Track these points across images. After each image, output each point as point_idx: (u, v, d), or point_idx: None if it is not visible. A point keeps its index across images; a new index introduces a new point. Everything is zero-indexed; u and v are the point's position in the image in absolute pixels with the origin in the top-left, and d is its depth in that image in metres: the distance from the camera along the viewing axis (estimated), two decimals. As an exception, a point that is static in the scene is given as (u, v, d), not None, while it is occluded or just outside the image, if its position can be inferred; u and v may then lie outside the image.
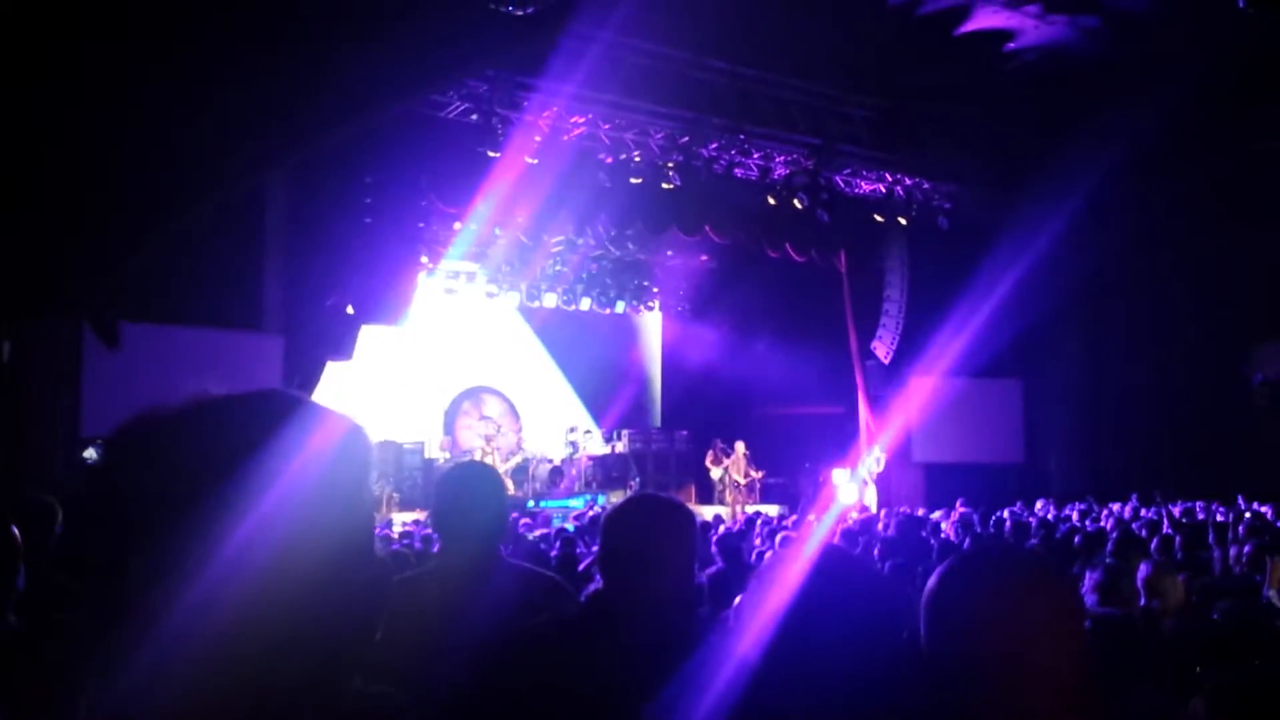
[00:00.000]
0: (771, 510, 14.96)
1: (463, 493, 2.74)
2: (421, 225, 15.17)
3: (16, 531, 2.66)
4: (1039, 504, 14.32)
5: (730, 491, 18.01)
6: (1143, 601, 4.32)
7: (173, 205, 8.03)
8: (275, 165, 9.85)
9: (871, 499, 17.42)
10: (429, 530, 10.18)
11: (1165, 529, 8.96)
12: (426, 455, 17.16)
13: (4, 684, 1.71)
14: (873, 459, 18.02)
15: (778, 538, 8.04)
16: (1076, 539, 8.00)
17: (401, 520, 13.32)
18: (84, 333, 10.74)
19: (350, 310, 13.96)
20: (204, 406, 0.94)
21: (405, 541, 9.11)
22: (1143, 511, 12.35)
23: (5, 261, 7.91)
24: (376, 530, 1.02)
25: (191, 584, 0.84)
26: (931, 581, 1.34)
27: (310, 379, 13.25)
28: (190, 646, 0.83)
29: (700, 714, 1.71)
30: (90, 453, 10.08)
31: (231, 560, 0.84)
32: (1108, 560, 5.03)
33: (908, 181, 17.37)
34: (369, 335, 14.82)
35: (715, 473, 18.29)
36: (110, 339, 10.72)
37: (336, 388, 14.15)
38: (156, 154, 7.12)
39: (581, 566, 6.60)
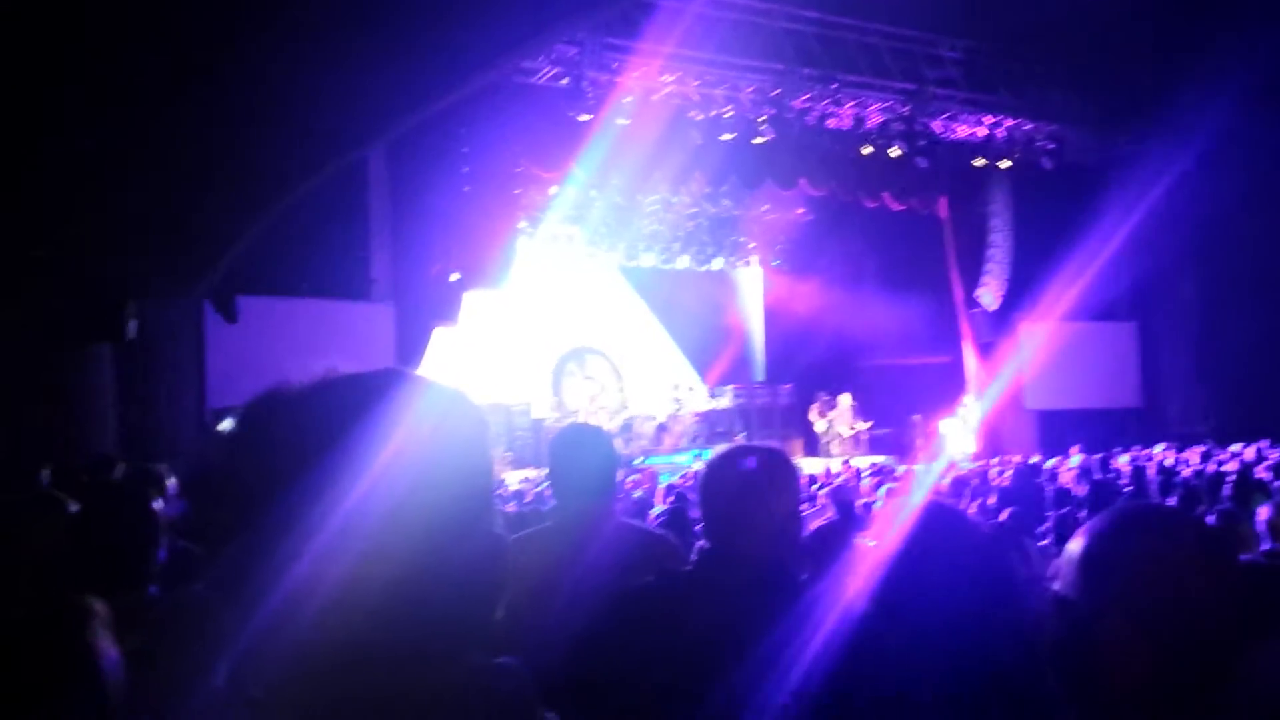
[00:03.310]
0: (878, 461, 14.84)
1: (571, 454, 2.81)
2: (518, 191, 15.35)
3: (160, 505, 2.82)
4: (1159, 448, 13.89)
5: (836, 444, 17.91)
6: (1265, 545, 4.21)
7: (283, 184, 8.31)
8: (378, 140, 10.09)
9: (974, 447, 17.15)
10: (539, 489, 10.45)
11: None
12: (534, 415, 17.46)
13: (148, 654, 1.80)
14: (973, 407, 17.73)
15: (883, 489, 8.02)
16: (1198, 483, 7.78)
17: (517, 479, 13.58)
18: (205, 308, 11.22)
19: (454, 277, 14.27)
20: (324, 385, 0.97)
21: (526, 501, 9.39)
22: (1269, 453, 11.88)
23: (130, 245, 8.32)
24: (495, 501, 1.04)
25: (303, 556, 0.87)
26: (1087, 538, 1.35)
27: (419, 345, 13.62)
28: (301, 618, 0.87)
29: (802, 667, 1.74)
30: (224, 425, 10.51)
31: (344, 533, 0.87)
32: (1226, 504, 4.92)
33: (1009, 123, 16.84)
34: (473, 300, 15.11)
35: (820, 425, 18.20)
36: (229, 313, 11.19)
37: (444, 353, 14.49)
38: (265, 136, 7.37)
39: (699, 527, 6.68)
